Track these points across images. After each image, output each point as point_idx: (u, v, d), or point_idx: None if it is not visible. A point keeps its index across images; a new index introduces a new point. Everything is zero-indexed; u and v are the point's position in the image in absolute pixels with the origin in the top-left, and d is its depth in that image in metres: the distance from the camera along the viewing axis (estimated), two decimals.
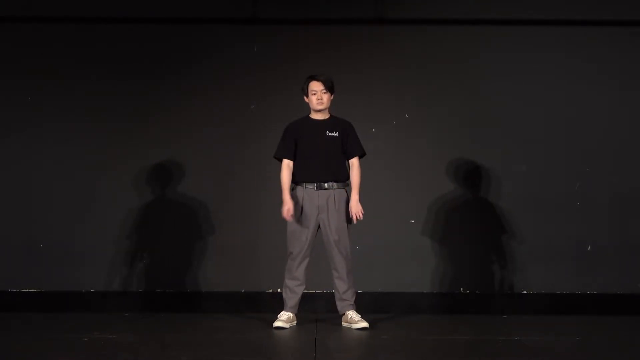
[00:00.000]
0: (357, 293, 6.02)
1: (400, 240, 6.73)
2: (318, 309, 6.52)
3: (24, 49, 6.79)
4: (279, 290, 6.15)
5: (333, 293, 5.99)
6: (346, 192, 5.96)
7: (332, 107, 6.01)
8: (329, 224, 5.92)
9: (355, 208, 5.93)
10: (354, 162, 6.00)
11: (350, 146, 5.99)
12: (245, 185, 6.77)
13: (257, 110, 6.81)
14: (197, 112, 6.80)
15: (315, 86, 5.93)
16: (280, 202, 5.93)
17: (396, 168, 6.81)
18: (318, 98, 5.93)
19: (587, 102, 6.84)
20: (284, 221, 5.93)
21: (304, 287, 5.97)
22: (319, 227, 5.95)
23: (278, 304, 6.02)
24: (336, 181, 5.95)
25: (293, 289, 5.94)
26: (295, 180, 5.97)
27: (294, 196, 5.94)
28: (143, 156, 6.77)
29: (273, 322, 5.88)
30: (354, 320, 5.88)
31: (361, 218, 5.93)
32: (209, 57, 6.83)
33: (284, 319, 5.90)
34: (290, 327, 5.90)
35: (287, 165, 5.97)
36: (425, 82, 6.85)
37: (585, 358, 5.10)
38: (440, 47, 6.86)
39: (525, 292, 6.75)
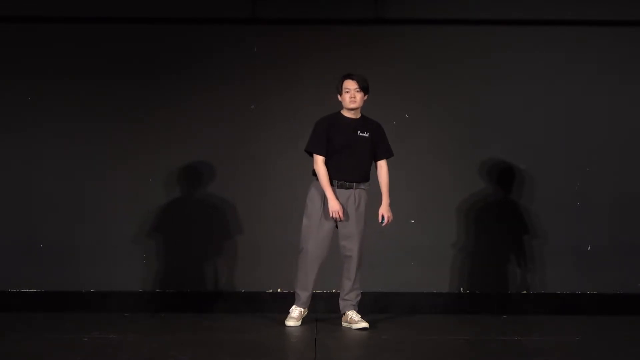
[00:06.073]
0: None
1: (400, 240, 6.73)
2: (318, 309, 6.51)
3: (24, 49, 6.79)
4: (279, 290, 6.15)
5: (333, 293, 5.99)
6: (366, 193, 5.94)
7: (331, 107, 6.00)
8: (346, 223, 5.89)
9: (388, 212, 5.93)
10: (383, 165, 5.98)
11: (380, 148, 5.97)
12: (245, 186, 6.76)
13: (257, 110, 6.80)
14: (197, 112, 6.80)
15: (350, 84, 5.89)
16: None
17: (396, 168, 6.79)
18: (351, 96, 5.89)
19: (588, 102, 6.84)
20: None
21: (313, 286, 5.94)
22: (336, 226, 5.91)
23: (278, 304, 6.02)
24: (360, 181, 5.91)
25: (306, 285, 5.88)
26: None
27: (313, 194, 5.87)
28: (142, 157, 6.77)
29: (273, 322, 5.86)
30: (354, 320, 5.87)
31: (390, 222, 5.94)
32: (209, 57, 6.83)
33: (295, 315, 5.87)
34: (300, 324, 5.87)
35: (322, 161, 5.86)
36: (425, 82, 6.84)
37: (585, 358, 5.10)
38: (440, 47, 6.85)
39: (525, 292, 6.75)
